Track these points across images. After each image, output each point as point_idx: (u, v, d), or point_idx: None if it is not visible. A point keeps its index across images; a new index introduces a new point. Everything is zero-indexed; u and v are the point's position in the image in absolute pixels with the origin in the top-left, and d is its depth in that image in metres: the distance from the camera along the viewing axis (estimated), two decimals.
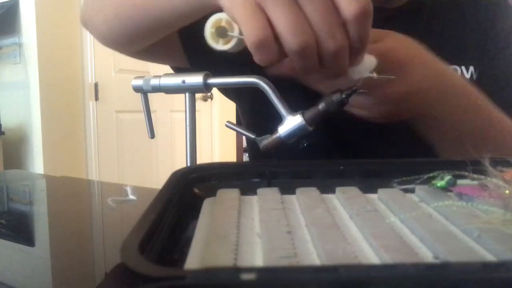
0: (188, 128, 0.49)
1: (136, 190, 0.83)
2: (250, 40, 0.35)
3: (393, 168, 0.38)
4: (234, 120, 0.49)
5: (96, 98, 2.80)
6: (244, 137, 0.61)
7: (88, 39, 2.64)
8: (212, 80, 0.46)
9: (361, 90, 0.40)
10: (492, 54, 0.62)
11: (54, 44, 2.57)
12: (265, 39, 0.35)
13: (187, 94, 0.48)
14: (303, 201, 0.33)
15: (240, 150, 3.72)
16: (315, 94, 0.45)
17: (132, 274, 0.17)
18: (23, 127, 2.65)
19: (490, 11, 0.64)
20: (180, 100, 0.52)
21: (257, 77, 0.43)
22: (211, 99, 3.51)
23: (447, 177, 0.33)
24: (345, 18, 0.34)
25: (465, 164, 0.32)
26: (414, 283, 0.17)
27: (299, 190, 0.36)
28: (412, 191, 0.35)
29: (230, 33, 0.39)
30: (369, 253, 0.25)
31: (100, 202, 0.80)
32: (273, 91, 0.42)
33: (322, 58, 0.36)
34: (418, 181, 0.34)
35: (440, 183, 0.33)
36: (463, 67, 0.61)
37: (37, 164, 2.58)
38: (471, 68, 0.62)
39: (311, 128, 0.42)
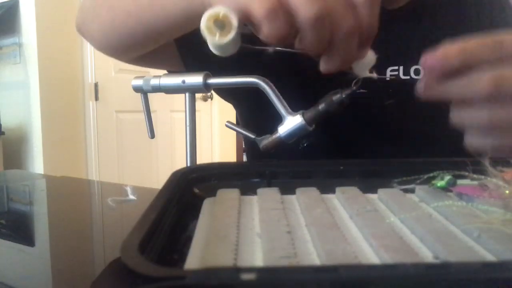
0: (188, 128, 0.49)
1: (136, 190, 0.83)
2: (260, 8, 0.33)
3: (393, 168, 0.38)
4: (234, 120, 0.49)
5: (96, 98, 2.80)
6: (243, 137, 0.61)
7: None
8: (212, 80, 0.46)
9: (361, 90, 0.40)
10: None
11: (54, 44, 2.57)
12: (276, 8, 0.33)
13: (187, 94, 0.48)
14: (303, 201, 0.33)
15: (240, 150, 3.72)
16: (315, 94, 0.45)
17: (132, 274, 0.17)
18: (23, 127, 2.65)
19: (492, 13, 0.64)
20: (180, 100, 0.52)
21: (257, 77, 0.43)
22: (211, 99, 3.51)
23: (447, 177, 0.33)
24: (356, 1, 0.34)
25: (465, 164, 0.32)
26: (414, 283, 0.17)
27: (299, 190, 0.36)
28: (412, 191, 0.35)
29: (231, 21, 0.36)
30: (369, 253, 0.25)
31: (100, 202, 0.80)
32: (273, 91, 0.42)
33: (334, 37, 0.35)
34: (418, 181, 0.34)
35: (440, 183, 0.33)
36: None
37: (37, 164, 2.58)
38: None
39: (311, 128, 0.42)
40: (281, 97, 0.43)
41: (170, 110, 3.18)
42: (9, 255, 0.47)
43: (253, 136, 0.44)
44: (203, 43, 0.39)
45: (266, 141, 0.43)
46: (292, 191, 0.36)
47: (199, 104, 3.41)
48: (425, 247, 0.25)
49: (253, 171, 0.40)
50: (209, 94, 3.24)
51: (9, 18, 2.57)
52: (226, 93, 0.71)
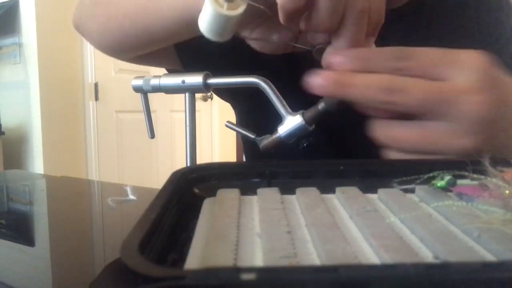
0: (188, 128, 0.49)
1: (136, 190, 0.83)
2: None
3: (393, 168, 0.38)
4: (234, 120, 0.49)
5: (96, 98, 2.80)
6: (241, 138, 0.61)
7: None
8: (212, 80, 0.46)
9: None
10: (493, 56, 0.62)
11: (54, 44, 2.57)
12: None
13: (187, 94, 0.48)
14: (303, 201, 0.33)
15: (240, 150, 3.72)
16: (315, 94, 0.45)
17: (132, 274, 0.17)
18: (23, 127, 2.65)
19: (492, 14, 0.64)
20: (180, 100, 0.52)
21: (257, 77, 0.43)
22: (211, 99, 3.51)
23: (447, 177, 0.33)
24: None
25: (465, 164, 0.32)
26: (414, 283, 0.17)
27: (299, 190, 0.36)
28: (412, 191, 0.35)
29: None
30: (369, 253, 0.25)
31: (100, 202, 0.80)
32: (273, 91, 0.42)
33: (346, 15, 0.35)
34: (418, 181, 0.34)
35: (440, 183, 0.33)
36: None
37: (37, 164, 2.58)
38: None
39: (311, 128, 0.42)
40: (281, 97, 0.43)
41: (170, 110, 3.19)
42: (9, 255, 0.47)
43: (253, 136, 0.44)
44: (201, 37, 0.38)
45: (266, 141, 0.43)
46: (292, 191, 0.36)
47: (199, 104, 3.41)
48: (425, 247, 0.25)
49: (253, 171, 0.40)
50: (209, 94, 3.25)
51: (9, 18, 2.58)
52: (226, 93, 0.71)
